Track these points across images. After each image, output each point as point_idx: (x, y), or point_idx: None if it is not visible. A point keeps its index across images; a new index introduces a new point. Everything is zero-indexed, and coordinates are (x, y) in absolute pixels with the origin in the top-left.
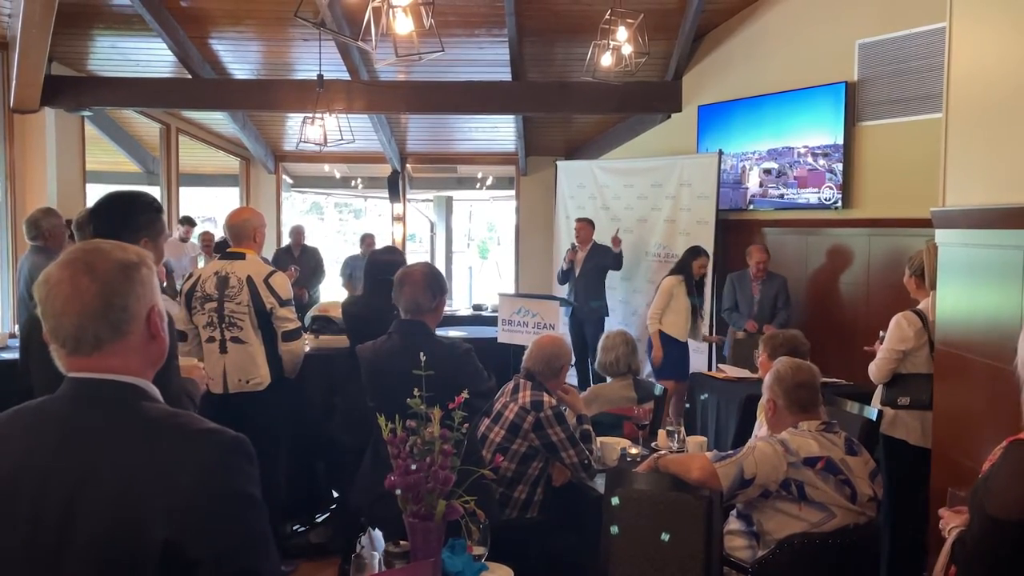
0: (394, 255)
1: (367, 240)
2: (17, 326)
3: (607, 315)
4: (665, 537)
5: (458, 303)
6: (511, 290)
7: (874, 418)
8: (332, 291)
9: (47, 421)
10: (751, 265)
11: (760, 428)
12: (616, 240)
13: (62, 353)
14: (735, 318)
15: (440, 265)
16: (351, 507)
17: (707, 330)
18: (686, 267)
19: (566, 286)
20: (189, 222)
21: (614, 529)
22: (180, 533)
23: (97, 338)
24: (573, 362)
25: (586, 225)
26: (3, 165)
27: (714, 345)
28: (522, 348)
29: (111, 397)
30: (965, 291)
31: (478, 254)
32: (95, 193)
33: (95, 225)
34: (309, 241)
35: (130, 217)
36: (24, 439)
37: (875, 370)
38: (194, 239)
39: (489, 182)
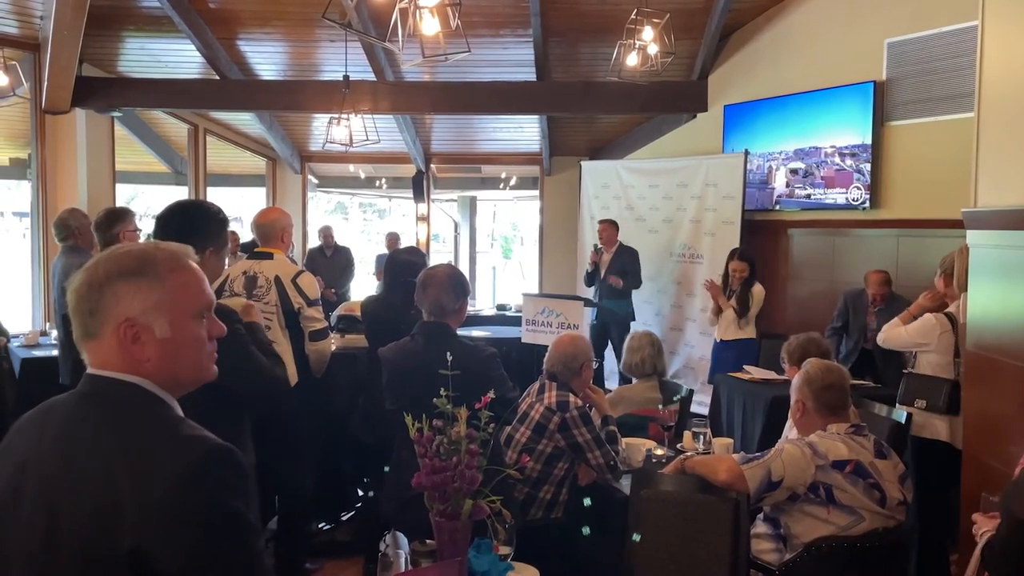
0: (415, 256)
1: (391, 239)
2: (48, 324)
3: (633, 319)
4: (636, 538)
5: (482, 303)
6: (535, 290)
7: (903, 421)
8: (362, 290)
9: (54, 417)
10: (869, 293)
11: (791, 431)
12: (615, 280)
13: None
14: (835, 343)
15: (464, 265)
16: (381, 517)
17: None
18: (725, 266)
19: (592, 287)
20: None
21: (636, 536)
22: (147, 541)
23: (77, 332)
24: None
25: (609, 226)
26: (35, 165)
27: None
28: (546, 348)
29: (109, 395)
30: (997, 293)
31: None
32: (124, 193)
33: (162, 234)
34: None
35: (199, 227)
36: (33, 435)
37: (884, 335)
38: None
39: (513, 182)
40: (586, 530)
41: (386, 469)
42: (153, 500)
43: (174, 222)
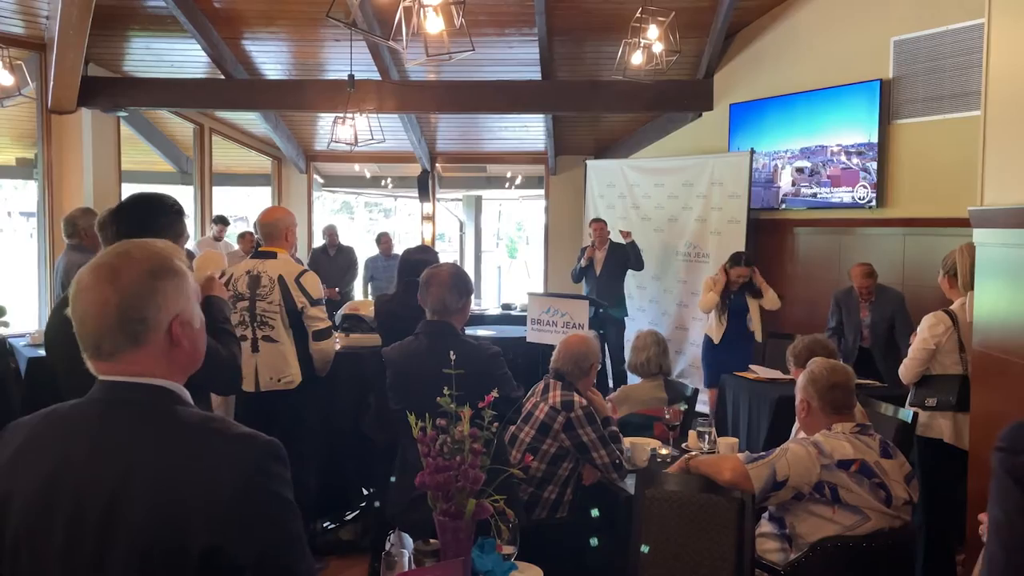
0: (427, 254)
1: (383, 239)
2: None
3: (626, 315)
4: (645, 549)
5: (487, 302)
6: (540, 289)
7: (909, 420)
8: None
9: (80, 426)
10: (856, 288)
11: (799, 432)
12: (625, 233)
13: (86, 356)
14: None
15: (469, 264)
16: (387, 517)
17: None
18: (726, 272)
19: (581, 283)
20: (223, 221)
21: (645, 548)
22: (221, 537)
23: (115, 346)
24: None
25: (602, 225)
26: (41, 165)
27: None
28: (551, 348)
29: (141, 400)
30: (1004, 292)
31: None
32: (130, 192)
33: (118, 226)
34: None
35: (152, 219)
36: (58, 445)
37: (904, 370)
38: (228, 239)
39: (518, 181)
40: (594, 541)
41: (392, 479)
42: (222, 500)
43: (133, 214)
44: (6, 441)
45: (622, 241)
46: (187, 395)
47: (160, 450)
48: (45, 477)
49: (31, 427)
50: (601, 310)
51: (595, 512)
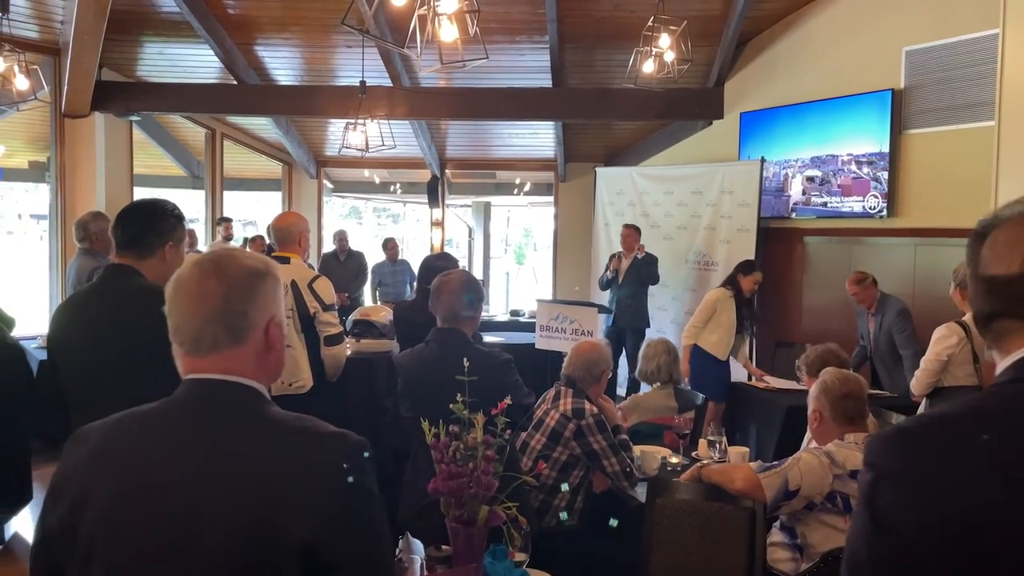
0: (447, 261)
1: (390, 245)
2: None
3: (648, 326)
4: (614, 523)
5: (495, 308)
6: (548, 296)
7: None
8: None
9: (169, 426)
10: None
11: (811, 442)
12: (639, 247)
13: (180, 353)
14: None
15: (478, 270)
16: (399, 523)
17: (748, 352)
18: (736, 281)
19: (606, 293)
20: (225, 220)
21: (613, 522)
22: (319, 536)
23: (215, 340)
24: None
25: (633, 232)
26: (54, 168)
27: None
28: (559, 354)
29: (234, 398)
30: None
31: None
32: (142, 196)
33: (121, 231)
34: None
35: (154, 223)
36: (143, 447)
37: (916, 383)
38: (236, 239)
39: (527, 188)
40: (614, 522)
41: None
42: (320, 498)
43: (134, 218)
44: (79, 444)
45: (650, 253)
46: (269, 397)
47: (255, 447)
48: (131, 480)
49: (108, 428)
50: (612, 324)
51: (614, 522)
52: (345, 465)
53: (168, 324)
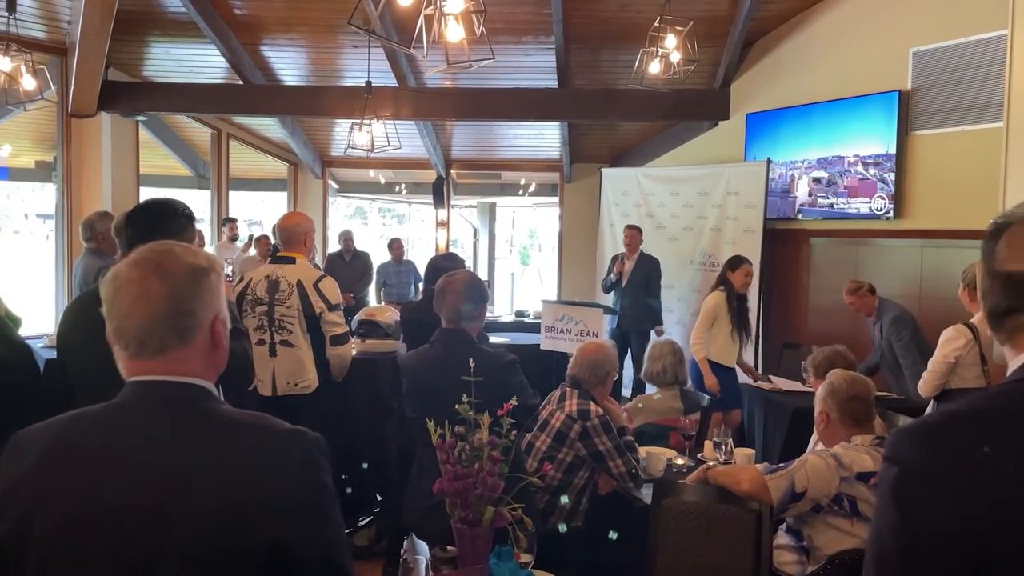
0: (454, 261)
1: (395, 245)
2: None
3: (656, 324)
4: (613, 535)
5: (500, 309)
6: (553, 297)
7: None
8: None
9: (120, 428)
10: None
11: (817, 445)
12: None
13: (123, 356)
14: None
15: (483, 271)
16: (404, 524)
17: (749, 356)
18: (727, 280)
19: (611, 295)
20: (230, 220)
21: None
22: (286, 533)
23: (162, 342)
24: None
25: (636, 232)
26: (60, 168)
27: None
28: (564, 355)
29: (182, 399)
30: None
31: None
32: (148, 196)
33: (130, 230)
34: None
35: (163, 223)
36: (95, 450)
37: (924, 384)
38: (241, 239)
39: (532, 188)
40: (614, 535)
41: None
42: (281, 494)
43: (144, 218)
44: (22, 450)
45: (652, 254)
46: (217, 393)
47: (212, 447)
48: (84, 484)
49: (54, 433)
50: (617, 326)
51: (614, 535)
52: (305, 461)
53: (107, 326)
